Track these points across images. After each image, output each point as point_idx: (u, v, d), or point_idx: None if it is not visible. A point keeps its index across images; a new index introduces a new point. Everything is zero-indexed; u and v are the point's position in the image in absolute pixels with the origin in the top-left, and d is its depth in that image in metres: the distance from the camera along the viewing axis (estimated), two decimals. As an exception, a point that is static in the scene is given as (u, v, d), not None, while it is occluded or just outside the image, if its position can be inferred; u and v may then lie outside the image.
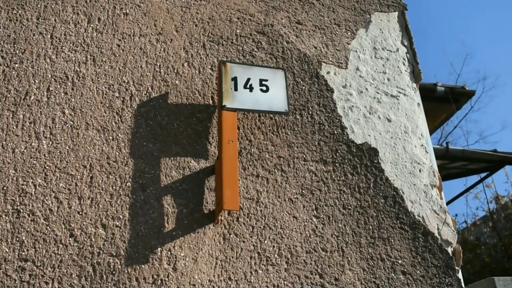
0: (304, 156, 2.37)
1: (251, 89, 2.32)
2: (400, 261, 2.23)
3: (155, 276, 1.94)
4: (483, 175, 9.37)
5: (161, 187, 2.12)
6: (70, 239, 1.94)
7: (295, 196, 2.26)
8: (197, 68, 2.46)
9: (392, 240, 2.27)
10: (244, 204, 2.18)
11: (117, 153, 2.15)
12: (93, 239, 1.96)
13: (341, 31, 2.82)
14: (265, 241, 2.13)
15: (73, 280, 1.87)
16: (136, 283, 1.91)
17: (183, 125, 2.29)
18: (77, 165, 2.09)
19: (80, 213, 1.99)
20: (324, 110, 2.52)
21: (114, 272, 1.91)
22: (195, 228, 2.07)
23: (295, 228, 2.19)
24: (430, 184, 2.50)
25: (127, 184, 2.09)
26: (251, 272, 2.05)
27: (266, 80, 2.36)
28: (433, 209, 2.41)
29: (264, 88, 2.34)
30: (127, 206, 2.05)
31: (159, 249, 2.00)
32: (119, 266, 1.93)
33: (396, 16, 3.03)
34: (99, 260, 1.92)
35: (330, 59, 2.68)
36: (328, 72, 2.64)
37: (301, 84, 2.55)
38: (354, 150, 2.45)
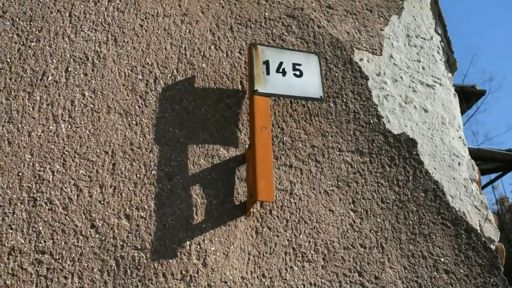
0: (339, 146, 2.21)
1: (284, 73, 2.16)
2: (442, 259, 2.07)
3: (183, 272, 1.78)
4: (492, 176, 9.22)
5: (188, 176, 1.96)
6: (91, 230, 1.78)
7: (330, 188, 2.10)
8: (225, 51, 2.30)
9: (434, 237, 2.11)
10: (277, 196, 2.02)
11: (141, 139, 1.99)
12: (116, 231, 1.79)
13: (374, 16, 2.66)
14: (300, 236, 1.97)
15: (95, 275, 1.71)
16: (163, 279, 1.75)
17: (211, 111, 2.13)
18: (98, 150, 1.93)
19: (102, 202, 1.83)
20: (359, 98, 2.36)
21: (139, 267, 1.75)
22: (225, 221, 1.91)
23: (331, 223, 2.03)
24: (470, 178, 2.34)
25: (152, 172, 1.93)
26: (286, 269, 1.89)
27: (300, 65, 2.21)
28: (474, 204, 2.26)
29: (297, 72, 2.18)
30: (153, 195, 1.89)
31: (187, 242, 1.83)
32: (145, 261, 1.77)
33: (428, 3, 2.88)
34: (122, 254, 1.76)
35: (364, 45, 2.52)
36: (361, 59, 2.48)
37: (334, 71, 2.40)
38: (392, 141, 2.30)
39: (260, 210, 1.97)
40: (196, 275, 1.79)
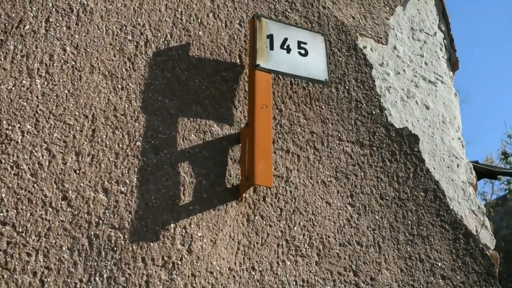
0: (339, 134, 2.05)
1: (288, 50, 1.98)
2: (439, 264, 1.95)
3: (165, 258, 1.57)
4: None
5: (177, 151, 1.75)
6: (63, 202, 1.55)
7: (328, 179, 1.94)
8: (224, 21, 2.10)
9: (432, 239, 1.99)
10: (273, 182, 1.84)
11: (127, 105, 1.77)
12: (91, 206, 1.57)
13: (379, 4, 2.52)
14: (295, 228, 1.79)
15: (63, 253, 1.48)
16: (142, 264, 1.54)
17: (206, 83, 1.93)
18: (76, 113, 1.69)
19: (77, 172, 1.60)
20: (361, 87, 2.21)
21: (115, 248, 1.53)
22: (215, 204, 1.72)
23: (328, 216, 1.87)
24: (468, 181, 2.24)
25: (137, 144, 1.71)
26: (278, 263, 1.71)
27: (305, 43, 2.03)
28: (471, 209, 2.15)
29: (302, 51, 2.01)
30: (136, 169, 1.67)
31: (172, 225, 1.63)
32: (122, 242, 1.55)
33: (433, -2, 2.77)
34: (97, 232, 1.54)
35: (369, 32, 2.38)
36: (364, 47, 2.34)
37: (337, 55, 2.24)
38: (393, 135, 2.16)
39: (253, 196, 1.79)
40: (179, 262, 1.58)
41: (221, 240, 1.67)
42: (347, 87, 2.18)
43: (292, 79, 2.08)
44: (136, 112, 1.77)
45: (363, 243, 1.87)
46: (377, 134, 2.13)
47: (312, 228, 1.82)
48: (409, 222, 1.99)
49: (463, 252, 2.01)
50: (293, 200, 1.84)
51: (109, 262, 1.51)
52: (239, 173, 1.81)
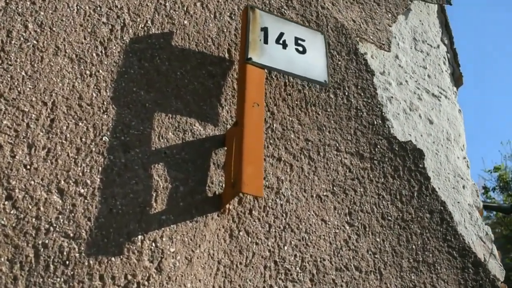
0: (337, 144, 1.82)
1: (284, 45, 1.75)
2: (447, 297, 1.70)
3: (129, 277, 1.29)
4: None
5: (151, 150, 1.49)
6: (6, 203, 1.26)
7: (324, 194, 1.69)
8: (213, 11, 1.87)
9: (439, 267, 1.74)
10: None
11: (95, 95, 1.50)
12: (41, 209, 1.28)
13: (381, 10, 2.33)
14: (285, 248, 1.53)
15: (1, 266, 1.19)
16: (100, 283, 1.25)
17: (189, 76, 1.68)
18: (33, 99, 1.41)
19: (28, 167, 1.32)
20: (362, 94, 1.99)
21: (68, 262, 1.24)
22: (193, 215, 1.45)
23: (323, 236, 1.61)
24: (474, 205, 2.02)
25: (103, 139, 1.44)
26: (264, 288, 1.44)
27: (303, 40, 1.81)
28: (478, 235, 1.92)
29: (300, 48, 1.79)
30: (100, 168, 1.39)
31: (139, 237, 1.35)
32: (77, 255, 1.26)
33: (435, 10, 2.60)
34: (46, 241, 1.25)
35: (371, 37, 2.18)
36: (365, 53, 2.13)
37: (336, 58, 2.02)
38: (396, 148, 1.93)
39: (237, 207, 1.52)
40: (145, 282, 1.30)
41: (198, 258, 1.39)
42: (346, 93, 1.95)
43: (287, 79, 1.85)
44: (105, 103, 1.50)
45: (362, 268, 1.61)
46: (378, 146, 1.90)
47: (305, 248, 1.56)
48: (414, 246, 1.74)
49: (472, 283, 1.77)
50: (284, 215, 1.58)
51: (58, 279, 1.22)
52: (222, 180, 1.55)
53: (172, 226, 1.40)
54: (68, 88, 1.47)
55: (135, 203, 1.38)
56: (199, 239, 1.42)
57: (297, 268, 1.51)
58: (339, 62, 2.01)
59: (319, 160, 1.74)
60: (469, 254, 1.82)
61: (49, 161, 1.35)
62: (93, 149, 1.41)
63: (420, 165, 1.94)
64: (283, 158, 1.68)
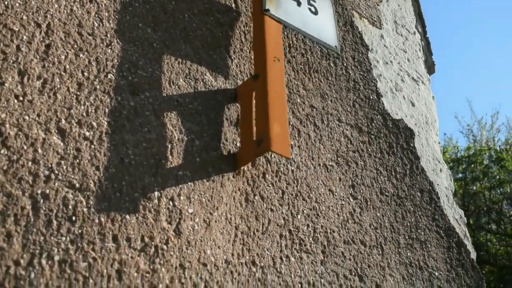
0: (339, 114, 1.73)
1: (298, 3, 1.62)
2: (436, 273, 1.70)
3: (146, 239, 1.08)
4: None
5: (162, 96, 1.28)
6: (-6, 140, 0.99)
7: (330, 163, 1.60)
8: (217, -45, 1.67)
9: (429, 245, 1.73)
10: (272, 157, 1.44)
11: (96, 24, 1.25)
12: (39, 151, 1.03)
13: (368, -12, 2.29)
14: (298, 216, 1.41)
15: (-12, 218, 0.92)
16: (113, 245, 1.03)
17: (197, 21, 1.48)
18: (24, 17, 1.14)
19: (20, 98, 1.05)
20: (359, 67, 1.93)
21: (74, 218, 1.01)
22: (210, 174, 1.27)
23: (331, 206, 1.52)
24: (449, 188, 2.05)
25: (109, 76, 1.21)
26: (281, 258, 1.31)
27: (314, 1, 1.70)
28: (454, 217, 1.96)
29: (312, 8, 1.67)
30: (106, 110, 1.16)
31: (156, 193, 1.14)
32: (85, 210, 1.03)
33: (409, -3, 2.63)
34: (47, 191, 1.00)
35: (364, 12, 2.12)
36: (358, 27, 2.07)
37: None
38: (390, 125, 1.90)
39: (251, 170, 1.37)
40: (164, 247, 1.10)
41: (216, 222, 1.22)
42: (345, 64, 1.87)
43: (291, 41, 1.72)
44: (108, 35, 1.26)
45: (366, 242, 1.54)
46: (374, 121, 1.84)
47: (316, 219, 1.45)
48: (408, 223, 1.71)
49: (456, 263, 1.79)
50: (295, 182, 1.46)
51: (63, 238, 0.98)
52: (236, 138, 1.38)
53: (189, 184, 1.21)
54: (65, 11, 1.21)
55: (149, 154, 1.17)
56: (216, 201, 1.24)
57: (310, 239, 1.40)
58: (338, 32, 1.92)
59: (323, 129, 1.64)
60: (453, 234, 1.85)
61: (45, 94, 1.09)
62: (97, 86, 1.17)
63: (411, 144, 1.92)
64: (291, 122, 1.55)
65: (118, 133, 1.15)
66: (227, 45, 1.52)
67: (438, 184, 1.98)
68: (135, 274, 1.03)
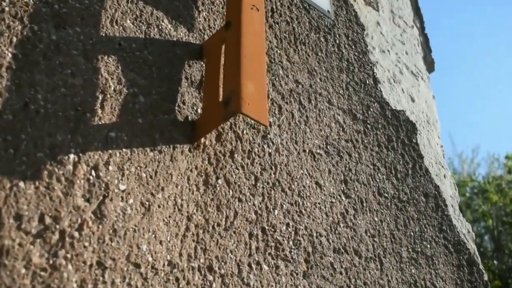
0: (329, 96, 1.42)
1: (285, -47, 1.32)
2: (444, 299, 1.36)
3: (47, 220, 0.73)
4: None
5: (99, 35, 0.94)
6: None
7: (317, 151, 1.27)
8: None
9: (437, 262, 1.40)
10: (245, 132, 1.11)
11: None
12: None
13: (364, -31, 2.02)
14: (275, 212, 1.07)
15: None
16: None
17: (157, -42, 1.16)
18: None
19: None
20: (353, 47, 1.63)
21: None
22: (156, 142, 0.92)
23: (318, 203, 1.18)
24: (454, 198, 1.74)
25: (25, 0, 0.87)
26: (250, 266, 0.96)
27: (304, -44, 1.40)
28: (462, 231, 1.64)
29: (302, -37, 1.37)
30: (15, 39, 0.82)
31: (71, 156, 0.79)
32: (-48, 168, 0.67)
33: (407, -9, 2.37)
34: None
35: (360, -11, 1.84)
36: (352, 5, 1.79)
37: (327, 0, 1.64)
38: (389, 116, 1.59)
39: (215, 145, 1.03)
40: (76, 234, 0.75)
41: (159, 207, 0.87)
42: (337, 42, 1.57)
43: (274, 5, 1.41)
44: (29, -50, 0.92)
45: (362, 253, 1.21)
46: (371, 109, 1.53)
47: (298, 217, 1.11)
48: (412, 233, 1.38)
49: (468, 285, 1.45)
50: (273, 168, 1.12)
51: None
52: (197, 103, 1.05)
53: (124, 150, 0.86)
54: None
55: (68, 103, 0.83)
56: (162, 179, 0.90)
57: (290, 243, 1.06)
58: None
59: (310, 109, 1.32)
60: (464, 250, 1.52)
61: None
62: (6, 8, 0.83)
63: (414, 140, 1.61)
64: (271, 96, 1.23)
65: (26, 70, 0.81)
66: (195, -7, 1.20)
67: (443, 191, 1.67)
68: (23, 270, 0.67)
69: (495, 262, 8.45)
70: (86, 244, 0.75)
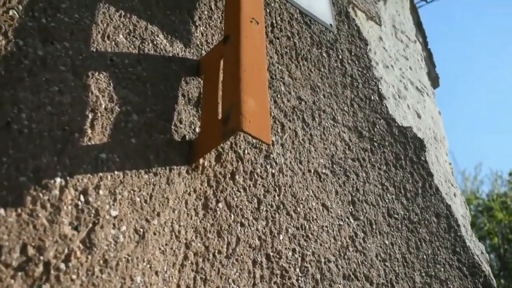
0: (333, 113, 1.35)
1: (285, -35, 1.28)
2: (461, 327, 1.28)
3: (30, 251, 0.66)
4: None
5: (90, 50, 0.88)
6: None
7: (323, 171, 1.20)
8: None
9: (451, 286, 1.32)
10: (246, 153, 1.05)
11: None
12: None
13: (365, -15, 1.98)
14: (280, 236, 1.00)
15: None
16: None
17: (152, -28, 1.12)
18: None
19: None
20: (357, 62, 1.58)
21: None
22: (151, 164, 0.86)
23: (326, 227, 1.11)
24: (466, 217, 1.67)
25: (10, 13, 0.82)
26: (254, 295, 0.88)
27: (304, -31, 1.36)
28: (476, 253, 1.56)
29: (303, -24, 1.33)
30: (2, 56, 0.76)
31: (58, 180, 0.73)
32: None
33: (408, 7, 2.34)
34: None
35: (361, 4, 1.79)
36: (354, 20, 1.74)
37: (328, 15, 1.59)
38: (396, 133, 1.53)
39: (215, 166, 0.96)
40: (62, 266, 0.68)
41: (155, 234, 0.80)
42: (340, 57, 1.52)
43: (274, 20, 1.36)
44: (16, -38, 0.87)
45: (373, 278, 1.13)
46: (377, 126, 1.47)
47: (305, 242, 1.04)
48: (424, 256, 1.31)
49: (484, 312, 1.37)
50: (277, 190, 1.06)
51: None
52: (194, 121, 0.98)
53: (116, 173, 0.80)
54: None
55: (55, 123, 0.76)
56: (158, 204, 0.83)
57: (297, 270, 0.98)
58: (333, 12, 1.58)
59: (314, 127, 1.26)
60: (479, 272, 1.44)
61: None
62: (-14, 21, 0.78)
63: (422, 158, 1.55)
64: (272, 113, 1.17)
65: (9, 87, 0.75)
66: (192, 8, 1.15)
67: (454, 211, 1.60)
68: (1, 309, 0.60)
69: (501, 281, 8.30)
70: (74, 276, 0.68)
